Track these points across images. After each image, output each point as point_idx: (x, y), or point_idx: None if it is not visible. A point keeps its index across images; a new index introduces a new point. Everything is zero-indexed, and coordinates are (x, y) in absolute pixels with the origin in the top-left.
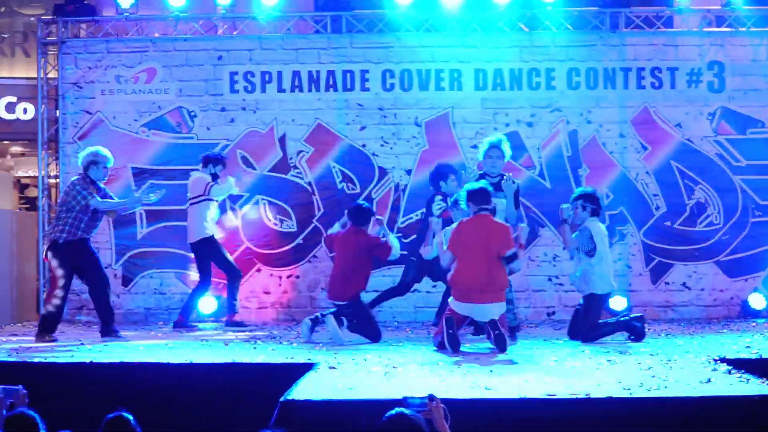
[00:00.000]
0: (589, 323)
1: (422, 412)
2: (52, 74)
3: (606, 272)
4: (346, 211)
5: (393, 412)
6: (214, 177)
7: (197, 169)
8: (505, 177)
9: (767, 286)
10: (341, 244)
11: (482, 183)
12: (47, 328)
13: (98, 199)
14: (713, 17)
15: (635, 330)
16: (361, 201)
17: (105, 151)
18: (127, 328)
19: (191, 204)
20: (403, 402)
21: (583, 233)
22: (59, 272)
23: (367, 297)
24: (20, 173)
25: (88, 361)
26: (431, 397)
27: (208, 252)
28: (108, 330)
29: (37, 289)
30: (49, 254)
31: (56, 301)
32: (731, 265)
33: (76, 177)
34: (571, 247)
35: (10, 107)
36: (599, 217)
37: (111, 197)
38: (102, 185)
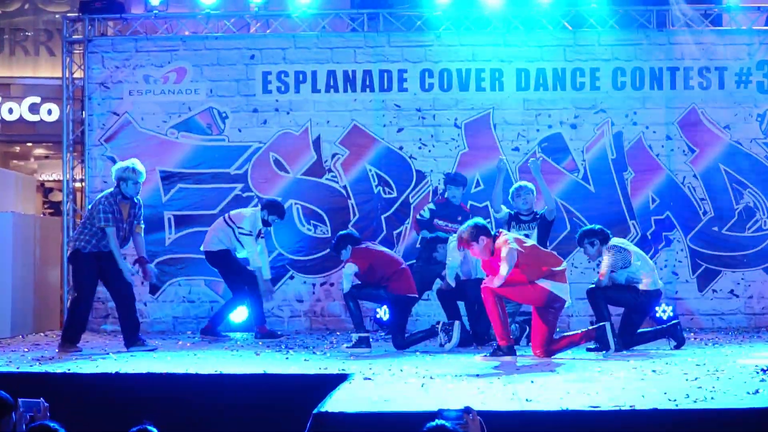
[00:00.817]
0: (612, 290)
1: (458, 425)
2: (77, 74)
3: (650, 271)
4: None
5: (433, 424)
6: (266, 224)
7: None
8: (531, 160)
9: None
10: None
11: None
12: (71, 337)
13: (111, 229)
14: (763, 15)
15: (677, 336)
16: None
17: (138, 167)
18: (154, 338)
19: (224, 217)
20: (438, 415)
21: (609, 253)
22: (82, 281)
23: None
24: (44, 177)
25: (113, 371)
26: (467, 410)
27: (220, 263)
28: (133, 339)
29: (61, 298)
30: (72, 262)
31: (80, 310)
32: None
33: (108, 191)
34: (606, 280)
35: (34, 108)
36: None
37: (138, 218)
38: (138, 199)
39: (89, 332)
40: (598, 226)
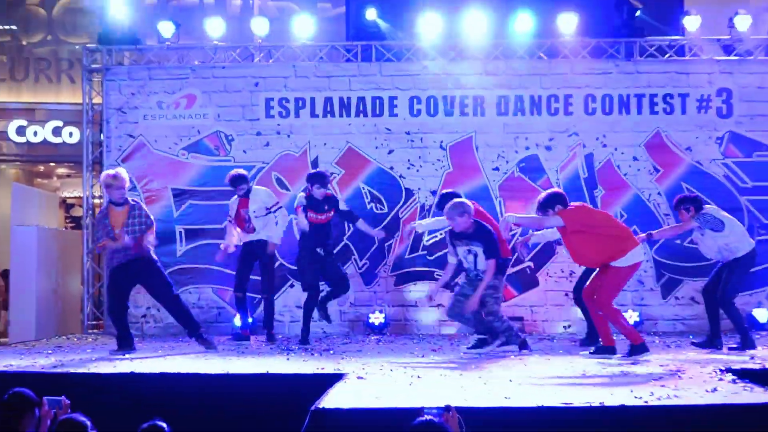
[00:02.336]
0: (730, 286)
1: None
2: (96, 100)
3: (741, 233)
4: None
5: (422, 418)
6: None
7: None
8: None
9: None
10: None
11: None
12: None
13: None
14: (723, 46)
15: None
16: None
17: (120, 173)
18: (167, 341)
19: (268, 213)
20: (420, 413)
21: (705, 218)
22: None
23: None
24: (66, 194)
25: (128, 371)
26: (447, 408)
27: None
28: (191, 331)
29: (81, 305)
30: None
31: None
32: None
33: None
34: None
35: (57, 131)
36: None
37: (141, 224)
38: (134, 202)
39: (107, 336)
40: (694, 194)
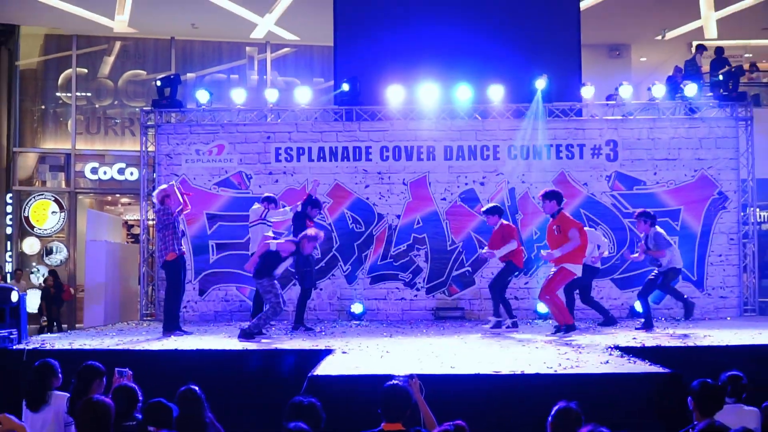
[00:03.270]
0: (668, 285)
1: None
2: (150, 148)
3: (678, 254)
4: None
5: (391, 382)
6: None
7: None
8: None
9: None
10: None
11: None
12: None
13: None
14: (610, 109)
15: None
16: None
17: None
18: (202, 326)
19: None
20: (390, 378)
21: (659, 238)
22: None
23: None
24: (127, 217)
25: (172, 348)
26: (411, 376)
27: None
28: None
29: (138, 298)
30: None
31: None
32: (622, 281)
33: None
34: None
35: (121, 171)
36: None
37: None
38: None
39: (157, 322)
40: (652, 211)
